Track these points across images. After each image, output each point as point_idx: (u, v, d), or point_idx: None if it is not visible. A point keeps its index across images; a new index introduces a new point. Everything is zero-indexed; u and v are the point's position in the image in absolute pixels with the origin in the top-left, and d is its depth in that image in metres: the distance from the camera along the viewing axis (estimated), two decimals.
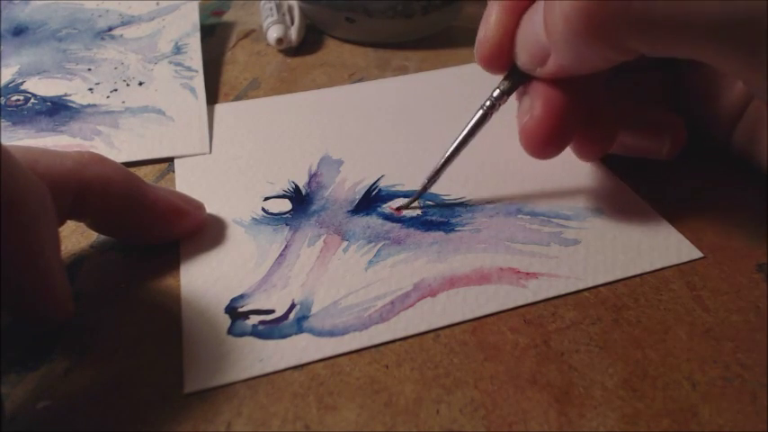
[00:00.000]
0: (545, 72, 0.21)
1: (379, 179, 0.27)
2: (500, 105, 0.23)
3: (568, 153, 0.28)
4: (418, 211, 0.25)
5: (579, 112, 0.22)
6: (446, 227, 0.24)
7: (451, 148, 0.24)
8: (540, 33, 0.20)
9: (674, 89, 0.27)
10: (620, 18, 0.17)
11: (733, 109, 0.25)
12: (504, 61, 0.22)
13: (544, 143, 0.22)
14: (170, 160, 0.28)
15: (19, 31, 0.38)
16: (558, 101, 0.22)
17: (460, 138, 0.24)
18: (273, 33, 0.36)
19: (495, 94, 0.23)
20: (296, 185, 0.26)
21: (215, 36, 0.39)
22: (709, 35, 0.17)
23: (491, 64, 0.23)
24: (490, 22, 0.22)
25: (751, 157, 0.25)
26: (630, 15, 0.17)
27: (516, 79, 0.23)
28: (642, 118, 0.25)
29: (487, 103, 0.23)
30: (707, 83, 0.25)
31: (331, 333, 0.20)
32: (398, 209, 0.25)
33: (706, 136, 0.27)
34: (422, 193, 0.25)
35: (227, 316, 0.21)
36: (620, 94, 0.26)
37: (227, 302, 0.21)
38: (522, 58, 0.22)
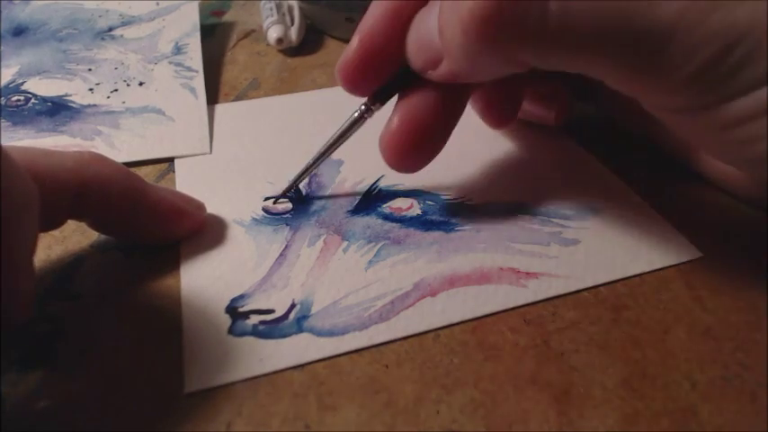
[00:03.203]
0: (437, 76, 0.21)
1: (379, 179, 0.27)
2: (374, 111, 0.23)
3: (569, 152, 0.28)
4: (418, 211, 0.25)
5: (448, 126, 0.23)
6: (446, 226, 0.24)
7: (322, 149, 0.24)
8: (434, 35, 0.20)
9: (593, 91, 0.28)
10: (515, 27, 0.17)
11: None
12: (373, 77, 0.22)
13: (398, 156, 0.22)
14: (170, 160, 0.28)
15: (19, 32, 0.38)
16: (416, 117, 0.22)
17: (331, 140, 0.24)
18: (273, 33, 0.36)
19: (368, 100, 0.23)
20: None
21: (215, 36, 0.39)
22: (600, 49, 0.17)
23: (358, 78, 0.22)
24: (367, 27, 0.21)
25: (666, 150, 0.27)
26: (526, 25, 0.17)
27: (394, 85, 0.22)
28: (534, 92, 0.27)
29: (362, 107, 0.23)
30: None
31: (331, 333, 0.20)
32: (274, 200, 0.25)
33: (625, 130, 0.28)
34: (289, 189, 0.25)
35: (227, 316, 0.21)
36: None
37: (227, 302, 0.21)
38: (414, 59, 0.21)
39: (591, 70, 0.19)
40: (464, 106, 0.23)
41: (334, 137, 0.24)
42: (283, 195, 0.25)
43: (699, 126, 0.19)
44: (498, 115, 0.26)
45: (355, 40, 0.22)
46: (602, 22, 0.17)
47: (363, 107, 0.23)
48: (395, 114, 0.22)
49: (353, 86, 0.22)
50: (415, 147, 0.22)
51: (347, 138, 0.24)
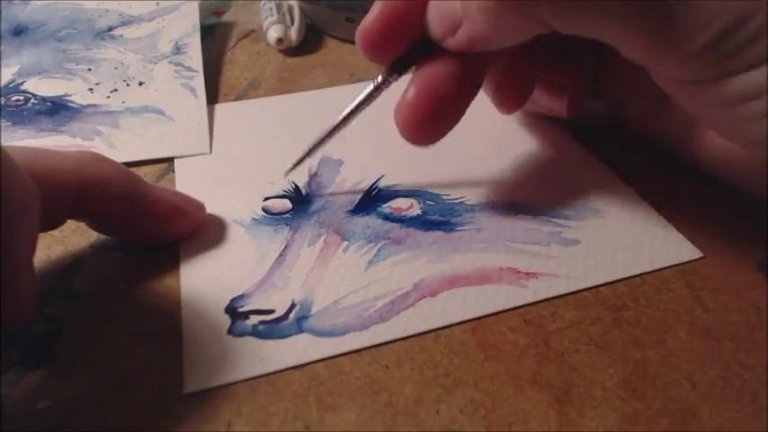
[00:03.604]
0: (455, 42, 0.21)
1: (379, 179, 0.27)
2: (391, 82, 0.23)
3: (569, 152, 0.28)
4: (418, 211, 0.25)
5: (464, 99, 0.22)
6: (446, 226, 0.24)
7: (336, 122, 0.24)
8: (456, 1, 0.20)
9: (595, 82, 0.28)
10: None
11: (647, 103, 0.26)
12: (393, 46, 0.22)
13: (414, 128, 0.22)
14: (170, 160, 0.28)
15: (19, 31, 0.38)
16: (433, 88, 0.22)
17: (347, 111, 0.24)
18: (273, 33, 0.36)
19: (385, 71, 0.23)
20: (296, 185, 0.26)
21: (215, 36, 0.39)
22: (618, 10, 0.18)
23: (378, 46, 0.22)
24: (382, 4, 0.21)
25: (665, 142, 0.27)
26: None
27: (412, 56, 0.22)
28: (546, 78, 0.27)
29: (379, 78, 0.23)
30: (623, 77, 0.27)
31: (331, 333, 0.20)
32: (286, 173, 0.25)
33: (625, 123, 0.28)
34: (303, 159, 0.25)
35: (227, 316, 0.21)
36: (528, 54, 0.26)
37: (227, 302, 0.21)
38: (434, 26, 0.21)
39: (607, 34, 0.19)
40: (481, 82, 0.23)
41: (350, 109, 0.24)
42: (292, 170, 0.25)
43: (705, 100, 0.19)
44: (509, 98, 0.26)
45: (377, 5, 0.22)
46: None
47: (381, 78, 0.23)
48: (411, 85, 0.22)
49: (374, 52, 0.22)
50: (430, 118, 0.22)
51: (361, 110, 0.24)
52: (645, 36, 0.18)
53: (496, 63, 0.25)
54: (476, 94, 0.23)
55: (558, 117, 0.28)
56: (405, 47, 0.22)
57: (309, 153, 0.25)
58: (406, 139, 0.22)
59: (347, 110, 0.24)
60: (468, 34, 0.20)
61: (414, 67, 0.22)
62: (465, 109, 0.23)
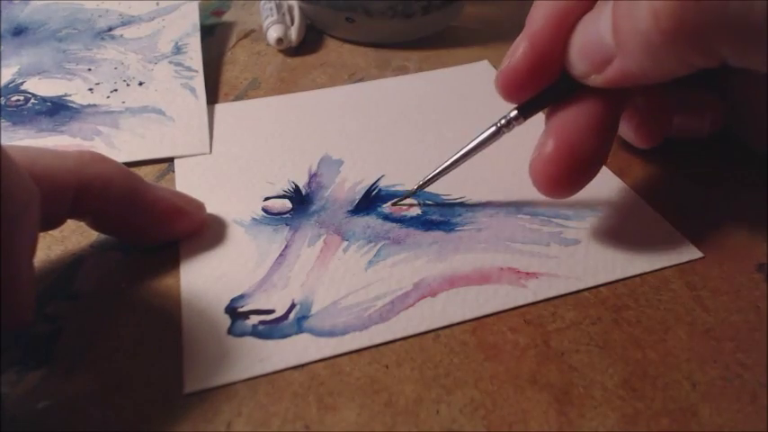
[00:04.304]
0: (602, 79, 0.20)
1: (379, 179, 0.27)
2: (514, 126, 0.22)
3: None
4: (418, 211, 0.25)
5: (604, 148, 0.21)
6: (446, 226, 0.24)
7: (452, 159, 0.24)
8: (606, 36, 0.19)
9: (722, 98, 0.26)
10: (717, 20, 0.16)
11: None
12: (534, 85, 0.21)
13: (553, 184, 0.21)
14: (170, 160, 0.28)
15: (19, 32, 0.38)
16: (572, 141, 0.20)
17: (464, 150, 0.23)
18: (273, 33, 0.36)
19: (513, 114, 0.22)
20: (296, 185, 0.26)
21: (215, 36, 0.39)
22: None
23: (523, 86, 0.21)
24: (536, 29, 0.20)
25: None
26: (728, 17, 0.16)
27: (542, 100, 0.22)
28: (685, 99, 0.25)
29: (502, 121, 0.23)
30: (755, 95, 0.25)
31: (331, 333, 0.20)
32: (393, 204, 0.25)
33: (748, 141, 0.27)
34: (412, 194, 0.25)
35: (227, 316, 0.21)
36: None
37: (227, 302, 0.21)
38: (578, 63, 0.20)
39: None
40: (617, 123, 0.22)
41: (467, 149, 0.23)
42: (403, 199, 0.25)
43: None
44: (652, 131, 0.24)
45: (524, 44, 0.21)
46: None
47: (504, 121, 0.22)
48: (548, 137, 0.21)
49: (516, 94, 0.21)
50: (571, 173, 0.21)
51: (477, 152, 0.23)
52: None
53: (634, 101, 0.23)
54: (614, 139, 0.22)
55: (694, 137, 0.26)
56: (541, 87, 0.21)
57: (418, 189, 0.25)
58: (543, 193, 0.22)
59: (462, 150, 0.23)
60: (622, 71, 0.19)
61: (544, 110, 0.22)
62: (605, 159, 0.22)
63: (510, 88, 0.22)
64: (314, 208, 0.25)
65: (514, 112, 0.22)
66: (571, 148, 0.21)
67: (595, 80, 0.20)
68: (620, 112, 0.22)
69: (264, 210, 0.25)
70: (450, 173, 0.25)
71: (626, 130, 0.25)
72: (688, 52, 0.17)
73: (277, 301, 0.21)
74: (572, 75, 0.21)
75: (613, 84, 0.20)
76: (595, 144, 0.21)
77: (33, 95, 0.32)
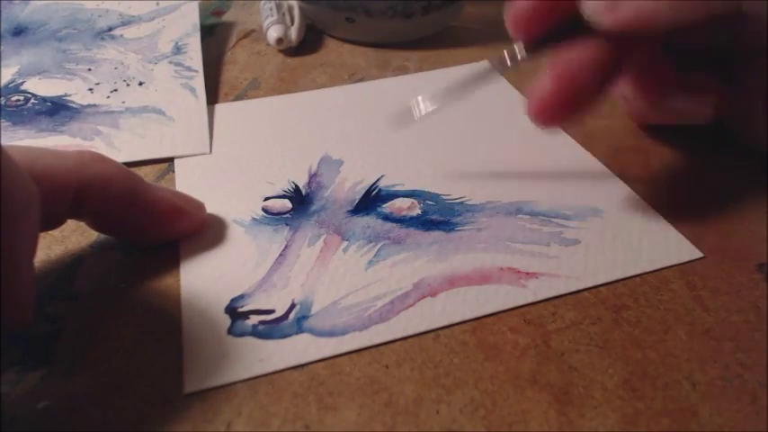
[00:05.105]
0: (614, 19, 0.19)
1: (379, 179, 0.27)
2: (518, 60, 0.22)
3: (569, 152, 0.28)
4: (418, 211, 0.25)
5: (602, 88, 0.21)
6: (446, 226, 0.24)
7: (448, 89, 0.24)
8: None
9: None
10: None
11: None
12: (542, 23, 0.21)
13: (545, 113, 0.21)
14: (170, 160, 0.28)
15: (19, 31, 0.38)
16: (571, 74, 0.21)
17: (461, 82, 0.23)
18: (273, 33, 0.36)
19: (518, 46, 0.22)
20: (296, 185, 0.26)
21: (215, 36, 0.39)
22: None
23: (530, 22, 0.21)
24: None
25: None
26: None
27: (553, 36, 0.22)
28: (687, 81, 0.25)
29: (505, 53, 0.22)
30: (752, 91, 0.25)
31: (331, 333, 0.20)
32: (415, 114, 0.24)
33: (747, 139, 0.27)
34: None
35: (227, 316, 0.21)
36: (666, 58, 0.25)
37: (227, 302, 0.21)
38: (591, 3, 0.20)
39: None
40: (619, 71, 0.22)
41: (464, 82, 0.23)
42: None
43: None
44: (649, 87, 0.24)
45: None
46: None
47: (507, 54, 0.22)
48: (549, 69, 0.21)
49: (524, 28, 0.21)
50: (565, 105, 0.21)
51: (476, 86, 0.23)
52: None
53: (640, 52, 0.23)
54: (613, 83, 0.22)
55: (695, 124, 0.26)
56: (551, 24, 0.21)
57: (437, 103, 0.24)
58: (534, 122, 0.22)
59: (461, 83, 0.23)
60: (637, 11, 0.19)
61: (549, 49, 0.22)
62: (601, 98, 0.22)
63: (519, 22, 0.22)
64: (314, 208, 0.25)
65: (520, 44, 0.22)
66: (567, 81, 0.21)
67: (606, 19, 0.20)
68: (623, 63, 0.22)
69: (264, 210, 0.25)
70: (450, 173, 0.24)
71: (625, 80, 0.25)
72: None
73: (277, 301, 0.21)
74: (583, 13, 0.20)
75: (623, 26, 0.19)
76: (591, 81, 0.21)
77: (33, 95, 0.32)
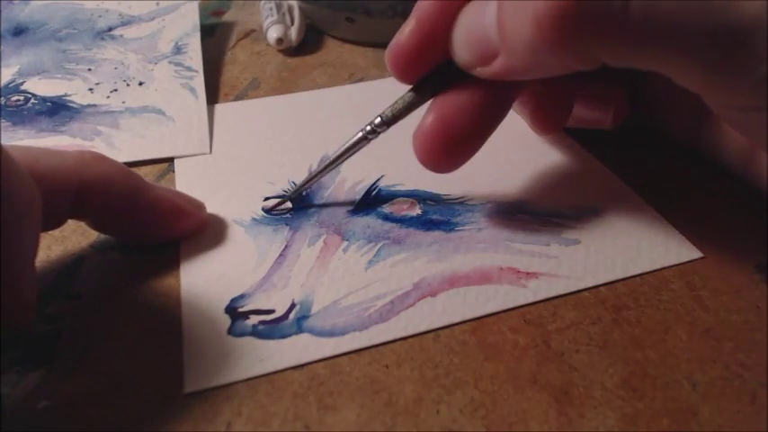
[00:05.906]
0: (488, 72, 0.20)
1: (379, 179, 0.27)
2: (379, 132, 0.23)
3: (569, 152, 0.28)
4: (418, 211, 0.25)
5: (485, 130, 0.22)
6: (446, 226, 0.24)
7: (324, 166, 0.24)
8: (490, 31, 0.19)
9: (633, 95, 0.27)
10: (595, 24, 0.16)
11: (694, 116, 0.25)
12: (423, 64, 0.21)
13: (430, 157, 0.21)
14: (170, 160, 0.28)
15: (19, 31, 0.38)
16: (452, 118, 0.21)
17: (334, 157, 0.24)
18: (273, 33, 0.36)
19: (377, 120, 0.22)
20: (296, 185, 0.26)
21: (215, 36, 0.39)
22: (679, 46, 0.17)
23: (410, 63, 0.21)
24: (425, 9, 0.20)
25: (718, 158, 0.26)
26: (606, 21, 0.16)
27: (427, 88, 0.22)
28: (588, 92, 0.26)
29: (367, 128, 0.23)
30: (667, 90, 0.25)
31: (331, 333, 0.20)
32: (269, 210, 0.25)
33: (668, 136, 0.27)
34: (288, 199, 0.25)
35: (227, 316, 0.21)
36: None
37: (227, 302, 0.21)
38: (462, 52, 0.20)
39: (664, 67, 0.18)
40: (507, 110, 0.22)
41: (351, 142, 0.23)
42: (280, 204, 0.25)
43: (763, 125, 0.18)
44: (548, 120, 0.25)
45: (412, 21, 0.21)
46: (684, 18, 0.16)
47: (369, 128, 0.23)
48: (430, 112, 0.21)
49: (403, 71, 0.21)
50: (447, 149, 0.21)
51: (346, 159, 0.24)
52: (704, 69, 0.17)
53: (531, 87, 0.23)
54: (498, 124, 0.22)
55: (600, 129, 0.27)
56: (429, 67, 0.21)
57: (300, 188, 0.25)
58: (423, 166, 0.22)
59: (348, 142, 0.23)
60: (506, 67, 0.19)
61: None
62: (485, 139, 0.22)
63: (397, 64, 0.21)
64: (314, 208, 0.25)
65: (378, 119, 0.22)
66: (448, 126, 0.21)
67: (480, 72, 0.20)
68: (512, 95, 0.22)
69: (264, 210, 0.25)
70: (450, 173, 0.24)
71: (524, 113, 0.25)
72: (568, 56, 0.18)
73: (277, 301, 0.21)
74: (457, 63, 0.20)
75: (498, 78, 0.20)
76: (472, 124, 0.21)
77: (33, 95, 0.32)
